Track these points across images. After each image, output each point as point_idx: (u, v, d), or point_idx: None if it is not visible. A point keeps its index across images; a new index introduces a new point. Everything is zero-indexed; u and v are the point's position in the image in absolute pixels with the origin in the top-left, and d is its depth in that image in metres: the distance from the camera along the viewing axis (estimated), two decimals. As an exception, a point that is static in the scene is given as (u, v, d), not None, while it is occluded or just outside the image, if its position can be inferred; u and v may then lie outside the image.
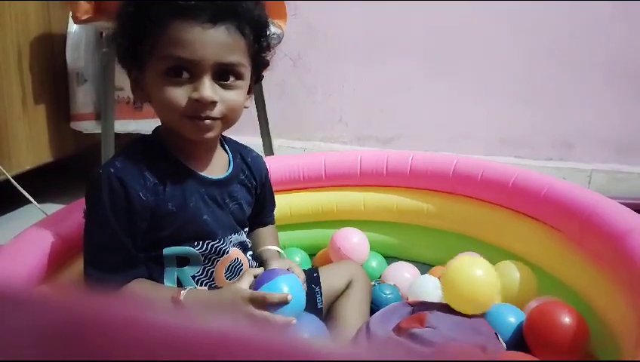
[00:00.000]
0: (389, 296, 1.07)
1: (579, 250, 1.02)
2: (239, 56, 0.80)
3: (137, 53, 0.80)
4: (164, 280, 0.85)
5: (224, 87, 0.79)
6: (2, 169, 1.40)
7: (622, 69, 1.81)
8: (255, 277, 0.83)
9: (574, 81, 1.86)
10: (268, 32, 0.86)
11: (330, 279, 0.99)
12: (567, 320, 0.88)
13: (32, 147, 1.61)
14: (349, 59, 2.04)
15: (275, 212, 1.08)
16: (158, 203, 0.81)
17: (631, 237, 0.87)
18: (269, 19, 0.87)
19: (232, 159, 0.93)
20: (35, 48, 1.59)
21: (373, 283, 1.11)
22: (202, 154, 0.88)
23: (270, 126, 1.69)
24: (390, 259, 1.30)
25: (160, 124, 0.87)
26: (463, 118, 1.98)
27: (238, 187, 0.92)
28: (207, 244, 0.86)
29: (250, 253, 0.95)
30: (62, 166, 1.77)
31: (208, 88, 0.77)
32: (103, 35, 1.53)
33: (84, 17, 1.35)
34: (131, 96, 1.66)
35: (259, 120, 1.66)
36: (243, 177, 0.94)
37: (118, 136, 1.50)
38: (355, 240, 1.21)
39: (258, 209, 0.99)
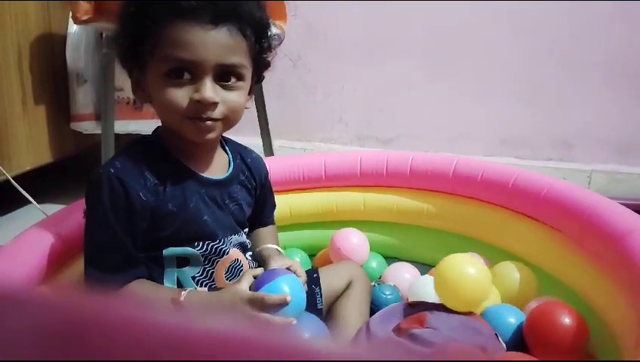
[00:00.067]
0: (389, 297, 1.07)
1: (579, 250, 1.02)
2: (240, 58, 0.80)
3: (138, 54, 0.80)
4: (164, 281, 0.85)
5: (225, 88, 0.79)
6: (2, 169, 1.40)
7: (622, 69, 1.81)
8: (255, 277, 0.83)
9: (574, 81, 1.86)
10: (269, 33, 0.86)
11: (330, 279, 0.99)
12: (567, 320, 0.88)
13: (32, 147, 1.61)
14: (349, 59, 2.04)
15: (275, 212, 1.08)
16: (158, 203, 0.81)
17: (631, 238, 0.87)
18: (270, 20, 0.87)
19: (232, 160, 0.93)
20: (35, 48, 1.59)
21: (373, 283, 1.11)
22: (203, 155, 0.88)
23: (270, 126, 1.69)
24: (390, 259, 1.30)
25: (160, 124, 0.87)
26: (463, 118, 1.98)
27: (238, 188, 0.92)
28: (207, 245, 0.86)
29: (250, 253, 0.95)
30: (62, 166, 1.77)
31: (209, 89, 0.77)
32: (103, 35, 1.53)
33: (84, 18, 1.35)
34: (131, 96, 1.69)
35: (259, 120, 1.66)
36: (243, 178, 0.94)
37: (118, 136, 1.50)
38: (355, 241, 1.21)
39: (258, 210, 0.99)
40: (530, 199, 1.13)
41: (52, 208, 1.17)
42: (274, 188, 1.06)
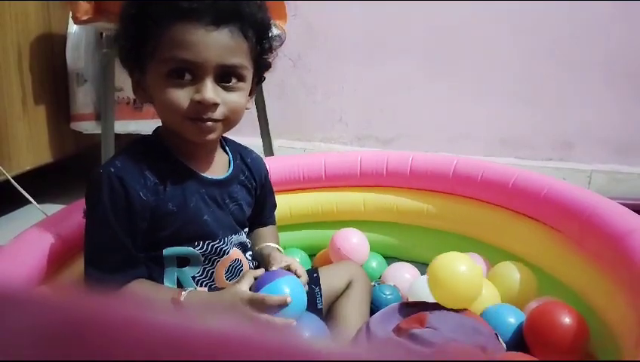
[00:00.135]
0: (389, 297, 1.07)
1: (579, 250, 1.02)
2: (241, 59, 0.80)
3: (139, 55, 0.80)
4: (164, 281, 0.85)
5: (226, 88, 0.79)
6: (2, 169, 1.40)
7: (622, 69, 1.81)
8: (256, 278, 0.83)
9: (574, 81, 1.86)
10: (270, 34, 0.86)
11: (330, 279, 0.99)
12: (567, 320, 0.88)
13: (32, 147, 1.61)
14: (349, 59, 2.04)
15: (275, 212, 1.08)
16: (158, 203, 0.81)
17: (631, 238, 0.87)
18: (272, 21, 0.87)
19: (232, 160, 0.93)
20: (35, 48, 1.59)
21: (373, 283, 1.11)
22: (203, 155, 0.88)
23: (270, 126, 1.69)
24: (390, 259, 1.30)
25: (160, 124, 0.87)
26: (463, 118, 1.98)
27: (238, 188, 0.92)
28: (208, 245, 0.86)
29: (250, 253, 0.95)
30: (62, 166, 1.77)
31: (210, 90, 0.77)
32: (103, 35, 1.53)
33: (84, 18, 1.35)
34: (131, 96, 1.69)
35: (259, 120, 1.66)
36: (243, 178, 0.94)
37: (118, 136, 1.50)
38: (354, 241, 1.21)
39: (258, 210, 0.99)
40: (530, 199, 1.13)
41: (52, 208, 1.17)
42: (274, 188, 1.06)
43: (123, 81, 1.60)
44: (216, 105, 0.78)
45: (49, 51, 1.66)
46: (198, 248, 0.85)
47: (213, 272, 0.87)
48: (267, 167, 1.02)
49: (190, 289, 0.83)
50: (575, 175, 1.87)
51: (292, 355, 0.22)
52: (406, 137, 2.05)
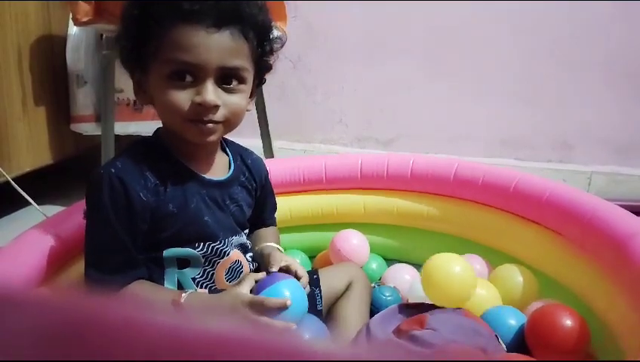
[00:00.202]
0: (389, 298, 1.07)
1: (580, 253, 1.02)
2: (242, 61, 0.80)
3: (141, 56, 0.80)
4: (165, 282, 0.85)
5: (227, 90, 0.79)
6: (2, 171, 1.40)
7: (622, 69, 1.81)
8: (257, 281, 0.83)
9: (574, 81, 1.86)
10: (271, 36, 0.86)
11: (330, 281, 0.99)
12: (568, 322, 0.88)
13: (31, 149, 1.61)
14: (349, 60, 2.04)
15: (276, 214, 1.08)
16: (158, 204, 0.81)
17: (633, 241, 0.87)
18: (273, 23, 0.87)
19: (232, 161, 0.93)
20: (35, 49, 1.60)
21: (373, 284, 1.11)
22: (203, 156, 0.88)
23: (270, 128, 1.69)
24: (390, 261, 1.29)
25: (160, 125, 0.87)
26: (463, 118, 1.98)
27: (239, 189, 0.92)
28: (208, 246, 0.86)
29: (250, 254, 0.95)
30: (62, 168, 1.77)
31: (211, 92, 0.77)
32: (103, 36, 1.53)
33: (85, 19, 1.35)
34: (131, 97, 1.69)
35: (259, 122, 1.66)
36: (243, 179, 0.94)
37: (118, 138, 1.50)
38: (355, 242, 1.21)
39: (258, 211, 0.99)
40: (531, 203, 1.13)
41: (52, 209, 1.17)
42: (274, 191, 1.06)
43: (123, 82, 1.60)
44: (216, 107, 0.78)
45: (49, 52, 1.66)
46: (198, 249, 0.85)
47: (213, 274, 0.87)
48: (267, 168, 1.02)
49: (190, 290, 0.83)
50: (575, 176, 1.87)
51: (292, 356, 0.22)
52: (406, 137, 2.05)
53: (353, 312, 0.98)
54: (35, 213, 1.26)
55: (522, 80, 1.90)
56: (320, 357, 0.23)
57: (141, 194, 0.79)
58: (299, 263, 0.90)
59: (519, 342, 0.92)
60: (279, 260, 0.88)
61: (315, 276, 0.98)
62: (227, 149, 0.94)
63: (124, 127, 1.70)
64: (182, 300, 0.78)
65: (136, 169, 0.81)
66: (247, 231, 0.95)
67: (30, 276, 0.84)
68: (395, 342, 0.85)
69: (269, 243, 0.97)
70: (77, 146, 1.78)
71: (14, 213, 1.57)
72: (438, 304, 0.94)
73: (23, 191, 1.30)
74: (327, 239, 1.24)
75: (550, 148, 1.93)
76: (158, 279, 0.84)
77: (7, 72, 1.51)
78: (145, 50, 0.79)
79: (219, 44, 0.77)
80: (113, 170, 0.79)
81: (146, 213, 0.80)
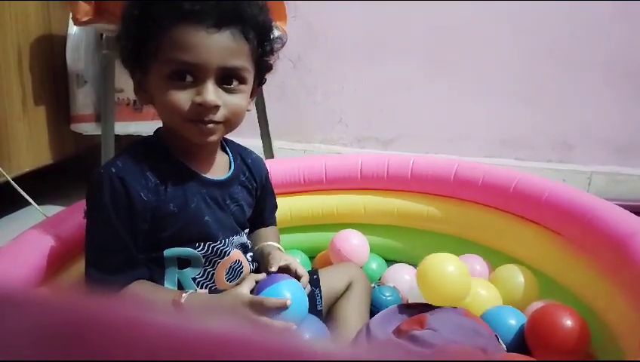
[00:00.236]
0: (389, 298, 1.07)
1: (580, 253, 1.02)
2: (243, 61, 0.80)
3: (141, 56, 0.80)
4: (165, 282, 0.85)
5: (227, 91, 0.79)
6: (2, 171, 1.40)
7: (622, 69, 1.81)
8: (257, 282, 0.83)
9: (574, 81, 1.86)
10: (272, 36, 0.86)
11: (330, 281, 0.99)
12: (568, 322, 0.88)
13: (31, 149, 1.61)
14: (349, 60, 2.04)
15: (276, 214, 1.08)
16: (159, 203, 0.81)
17: (632, 241, 0.87)
18: (273, 22, 0.87)
19: (232, 160, 0.93)
20: (35, 49, 1.59)
21: (373, 285, 1.11)
22: (204, 156, 0.88)
23: (270, 128, 1.69)
24: (390, 262, 1.29)
25: (160, 125, 0.87)
26: (463, 118, 1.98)
27: (239, 188, 0.92)
28: (209, 246, 0.86)
29: (251, 254, 0.95)
30: (62, 168, 1.77)
31: (212, 92, 0.77)
32: (103, 36, 1.53)
33: (85, 19, 1.35)
34: (131, 97, 1.69)
35: (259, 122, 1.66)
36: (243, 178, 0.94)
37: (118, 138, 1.50)
38: (355, 242, 1.21)
39: (259, 210, 0.99)
40: (531, 203, 1.13)
41: (52, 209, 1.17)
42: (274, 191, 1.06)
43: (123, 82, 1.60)
44: (217, 107, 0.78)
45: (49, 52, 1.66)
46: (198, 249, 0.85)
47: (213, 274, 0.87)
48: (267, 168, 1.02)
49: (191, 291, 0.83)
50: (575, 176, 1.87)
51: (292, 356, 0.22)
52: (406, 137, 2.05)
53: (353, 312, 0.98)
54: (35, 213, 1.26)
55: (522, 80, 1.90)
56: (320, 357, 0.23)
57: (142, 194, 0.79)
58: (298, 262, 0.90)
59: (519, 342, 0.92)
60: (279, 259, 0.88)
61: (315, 276, 0.98)
62: (227, 149, 0.94)
63: (124, 127, 1.70)
64: (182, 300, 0.78)
65: (137, 168, 0.81)
66: (247, 230, 0.95)
67: (30, 276, 0.84)
68: (395, 342, 0.85)
69: (269, 243, 0.97)
70: (77, 146, 1.78)
71: (14, 212, 1.57)
72: (433, 303, 0.95)
73: (23, 191, 1.30)
74: (328, 239, 1.24)
75: (550, 148, 1.93)
76: (158, 279, 0.84)
77: (7, 71, 1.51)
78: (145, 50, 0.79)
79: (219, 45, 0.77)
80: (114, 170, 0.79)
81: (147, 213, 0.80)
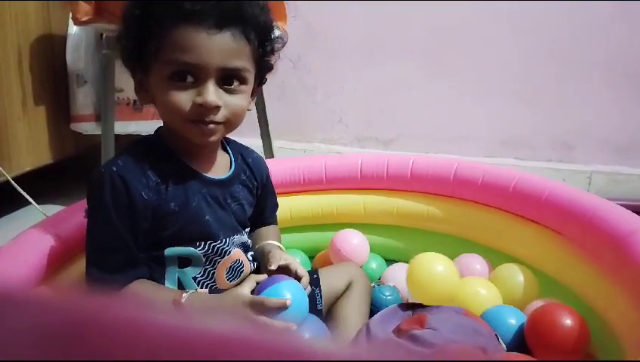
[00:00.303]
0: (389, 298, 1.07)
1: (580, 252, 1.02)
2: (244, 62, 0.80)
3: (142, 56, 0.80)
4: (165, 281, 0.85)
5: (228, 91, 0.79)
6: (2, 170, 1.40)
7: (622, 69, 1.81)
8: (258, 283, 0.83)
9: (574, 81, 1.86)
10: (272, 36, 0.86)
11: (330, 280, 0.99)
12: (568, 321, 0.88)
13: (31, 148, 1.61)
14: (349, 60, 2.04)
15: (277, 213, 1.08)
16: (160, 202, 0.81)
17: (632, 239, 0.87)
18: (274, 22, 0.87)
19: (233, 160, 0.93)
20: (35, 49, 1.59)
21: (372, 284, 1.11)
22: (205, 155, 0.88)
23: (270, 127, 1.69)
24: (390, 261, 1.29)
25: (161, 124, 0.88)
26: (463, 118, 1.98)
27: (240, 187, 0.92)
28: (209, 245, 0.86)
29: (252, 253, 0.95)
30: (62, 167, 1.77)
31: (212, 93, 0.77)
32: (103, 36, 1.53)
33: (85, 19, 1.35)
34: (131, 97, 1.69)
35: (259, 121, 1.66)
36: (244, 177, 0.94)
37: (118, 137, 1.50)
38: (355, 242, 1.21)
39: (259, 210, 1.00)
40: (531, 202, 1.13)
41: (52, 209, 1.17)
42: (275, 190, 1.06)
43: (123, 82, 1.60)
44: (218, 107, 0.78)
45: (49, 52, 1.66)
46: (199, 248, 0.85)
47: (214, 273, 0.87)
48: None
49: (191, 290, 0.83)
50: (575, 176, 1.87)
51: (292, 356, 0.22)
52: (406, 137, 2.05)
53: (353, 312, 0.98)
54: (35, 213, 1.26)
55: (522, 80, 1.90)
56: (320, 357, 0.23)
57: (143, 193, 0.79)
58: (299, 263, 0.90)
59: (519, 342, 0.92)
60: (278, 258, 0.88)
61: (315, 276, 0.98)
62: (228, 148, 0.94)
63: (124, 127, 1.70)
64: (182, 300, 0.78)
65: (138, 167, 0.81)
66: (248, 229, 0.95)
67: (30, 275, 0.84)
68: (395, 341, 0.85)
69: (269, 242, 0.97)
70: (77, 146, 1.78)
71: (14, 212, 1.57)
72: (422, 302, 0.96)
73: (23, 190, 1.30)
74: (327, 239, 1.24)
75: (550, 148, 1.93)
76: (159, 278, 0.84)
77: (7, 71, 1.51)
78: (146, 50, 0.79)
79: (220, 45, 0.77)
80: (115, 169, 0.79)
81: (148, 212, 0.80)
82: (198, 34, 0.76)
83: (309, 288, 0.89)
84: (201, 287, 0.86)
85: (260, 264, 0.94)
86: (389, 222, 1.33)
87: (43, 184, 1.61)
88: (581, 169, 1.89)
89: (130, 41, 0.81)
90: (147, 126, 1.60)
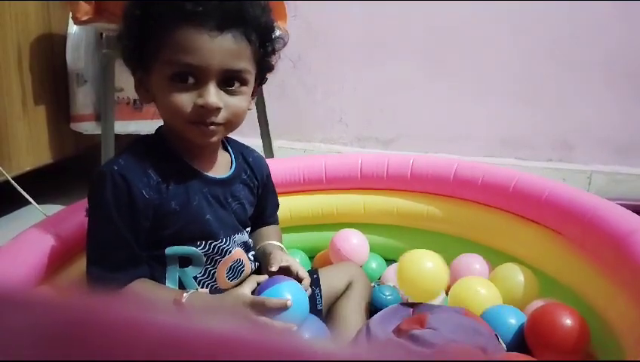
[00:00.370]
0: (389, 297, 1.07)
1: (580, 252, 1.02)
2: (245, 63, 0.80)
3: (143, 55, 0.80)
4: (166, 281, 0.85)
5: (229, 92, 0.80)
6: (2, 170, 1.40)
7: (622, 69, 1.81)
8: (259, 283, 0.84)
9: (574, 81, 1.86)
10: (273, 37, 0.86)
11: (330, 280, 0.99)
12: (568, 321, 0.88)
13: (31, 148, 1.61)
14: (349, 59, 2.03)
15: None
16: (161, 201, 0.81)
17: (632, 239, 0.87)
18: (275, 23, 0.87)
19: (234, 159, 0.93)
20: (35, 48, 1.59)
21: (372, 284, 1.11)
22: (206, 154, 0.88)
23: (270, 127, 1.68)
24: (390, 261, 1.29)
25: (161, 124, 0.88)
26: (463, 118, 1.98)
27: (241, 186, 0.92)
28: (210, 244, 0.86)
29: (253, 253, 0.95)
30: (62, 167, 1.76)
31: (213, 95, 0.77)
32: (103, 35, 1.53)
33: (84, 18, 1.35)
34: (131, 96, 1.69)
35: (259, 121, 1.66)
36: (245, 177, 0.94)
37: (118, 137, 1.50)
38: (354, 242, 1.21)
39: (260, 209, 1.00)
40: (531, 202, 1.13)
41: (52, 209, 1.17)
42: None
43: (123, 81, 1.60)
44: (218, 109, 0.78)
45: (49, 51, 1.66)
46: (200, 248, 0.85)
47: (215, 272, 0.87)
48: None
49: (192, 290, 0.83)
50: (575, 176, 1.87)
51: (292, 356, 0.22)
52: (406, 137, 2.05)
53: (353, 312, 0.98)
54: (35, 212, 1.26)
55: (522, 80, 1.90)
56: (320, 357, 0.23)
57: (144, 192, 0.79)
58: (299, 263, 0.90)
59: (519, 342, 0.92)
60: (279, 260, 0.88)
61: (315, 275, 0.98)
62: (229, 147, 0.94)
63: (124, 126, 1.70)
64: (183, 300, 0.78)
65: (139, 166, 0.81)
66: (248, 229, 0.95)
67: (30, 275, 0.84)
68: (395, 341, 0.85)
69: (270, 242, 0.97)
70: (77, 145, 1.78)
71: (14, 212, 1.57)
72: (412, 298, 0.98)
73: (23, 190, 1.30)
74: (327, 239, 1.24)
75: (550, 148, 1.93)
76: (159, 277, 0.84)
77: (7, 71, 1.51)
78: (147, 50, 0.79)
79: (221, 47, 0.77)
80: (116, 168, 0.79)
81: (149, 211, 0.80)
82: (199, 35, 0.76)
83: (309, 290, 0.89)
84: (202, 287, 0.86)
85: (261, 264, 0.94)
86: (388, 221, 1.33)
87: (43, 184, 1.61)
88: (581, 169, 1.89)
89: (131, 40, 0.81)
90: (147, 125, 1.59)
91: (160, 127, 0.88)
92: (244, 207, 0.92)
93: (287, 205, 1.29)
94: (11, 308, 0.24)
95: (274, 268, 0.86)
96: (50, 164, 1.69)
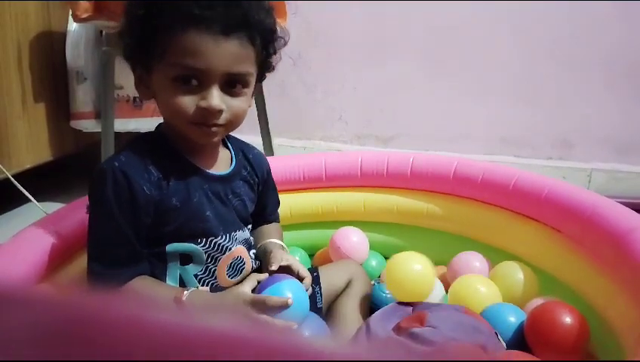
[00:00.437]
0: (389, 296, 1.07)
1: (580, 250, 1.02)
2: (248, 66, 0.80)
3: (145, 54, 0.80)
4: (167, 278, 0.85)
5: (231, 94, 0.80)
6: (2, 168, 1.40)
7: (622, 69, 1.81)
8: (259, 282, 0.84)
9: (574, 81, 1.86)
10: (276, 38, 0.86)
11: (330, 278, 0.99)
12: (567, 319, 0.88)
13: (31, 146, 1.61)
14: (349, 58, 2.03)
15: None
16: (162, 197, 0.81)
17: (631, 237, 0.87)
18: (277, 24, 0.87)
19: (234, 156, 0.93)
20: (34, 47, 1.59)
21: (372, 282, 1.11)
22: (206, 152, 0.88)
23: (270, 125, 1.68)
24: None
25: (161, 121, 0.88)
26: (463, 117, 1.98)
27: (241, 183, 0.92)
28: (210, 241, 0.86)
29: (254, 251, 0.95)
30: (62, 165, 1.77)
31: (216, 98, 0.77)
32: (103, 33, 1.53)
33: (84, 16, 1.35)
34: (131, 94, 1.69)
35: (259, 119, 1.66)
36: (245, 173, 0.94)
37: (117, 134, 1.50)
38: (354, 240, 1.21)
39: (261, 207, 1.00)
40: (531, 200, 1.13)
41: (52, 206, 1.17)
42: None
43: (123, 79, 1.60)
44: (221, 111, 0.78)
45: (49, 49, 1.65)
46: (200, 245, 0.85)
47: (215, 270, 0.87)
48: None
49: (192, 288, 0.83)
50: (575, 174, 1.87)
51: (292, 354, 0.22)
52: (406, 136, 2.05)
53: (353, 310, 0.98)
54: (35, 210, 1.26)
55: (522, 80, 1.90)
56: (320, 356, 0.23)
57: (144, 188, 0.80)
58: (299, 262, 0.90)
59: (519, 340, 0.92)
60: (280, 259, 0.88)
61: (315, 273, 0.98)
62: (229, 144, 0.94)
63: (124, 124, 1.70)
64: (184, 298, 0.78)
65: (140, 163, 0.81)
66: (250, 226, 0.96)
67: (30, 273, 0.84)
68: (395, 339, 0.85)
69: (271, 240, 0.97)
70: (77, 143, 1.78)
71: (14, 209, 1.57)
72: (400, 299, 0.97)
73: (23, 188, 1.30)
74: (327, 237, 1.24)
75: (550, 147, 1.93)
76: (160, 275, 0.84)
77: (7, 69, 1.51)
78: (149, 49, 0.78)
79: (226, 52, 0.77)
80: (117, 164, 0.79)
81: (150, 207, 0.81)
82: (205, 40, 0.76)
83: (310, 289, 0.89)
84: (203, 285, 0.86)
85: (262, 263, 0.94)
86: (388, 219, 1.33)
87: (43, 181, 1.61)
88: (581, 167, 1.89)
89: (132, 39, 0.81)
90: (147, 123, 1.60)
91: (160, 124, 0.88)
92: (245, 203, 0.92)
93: (288, 203, 1.29)
94: (11, 306, 0.24)
95: (274, 268, 0.86)
96: (50, 161, 1.69)
